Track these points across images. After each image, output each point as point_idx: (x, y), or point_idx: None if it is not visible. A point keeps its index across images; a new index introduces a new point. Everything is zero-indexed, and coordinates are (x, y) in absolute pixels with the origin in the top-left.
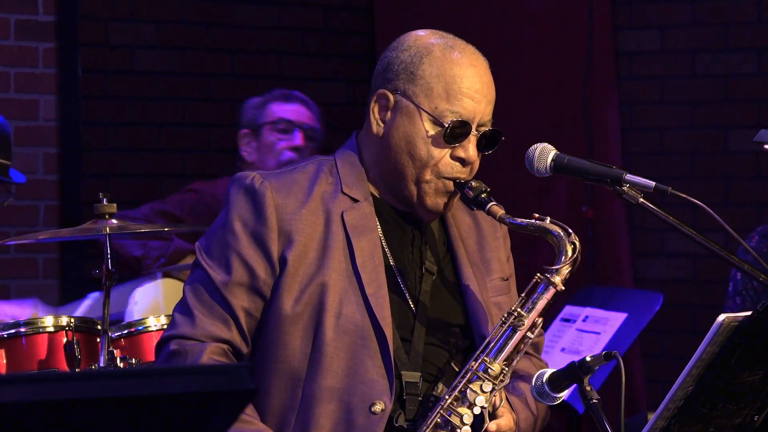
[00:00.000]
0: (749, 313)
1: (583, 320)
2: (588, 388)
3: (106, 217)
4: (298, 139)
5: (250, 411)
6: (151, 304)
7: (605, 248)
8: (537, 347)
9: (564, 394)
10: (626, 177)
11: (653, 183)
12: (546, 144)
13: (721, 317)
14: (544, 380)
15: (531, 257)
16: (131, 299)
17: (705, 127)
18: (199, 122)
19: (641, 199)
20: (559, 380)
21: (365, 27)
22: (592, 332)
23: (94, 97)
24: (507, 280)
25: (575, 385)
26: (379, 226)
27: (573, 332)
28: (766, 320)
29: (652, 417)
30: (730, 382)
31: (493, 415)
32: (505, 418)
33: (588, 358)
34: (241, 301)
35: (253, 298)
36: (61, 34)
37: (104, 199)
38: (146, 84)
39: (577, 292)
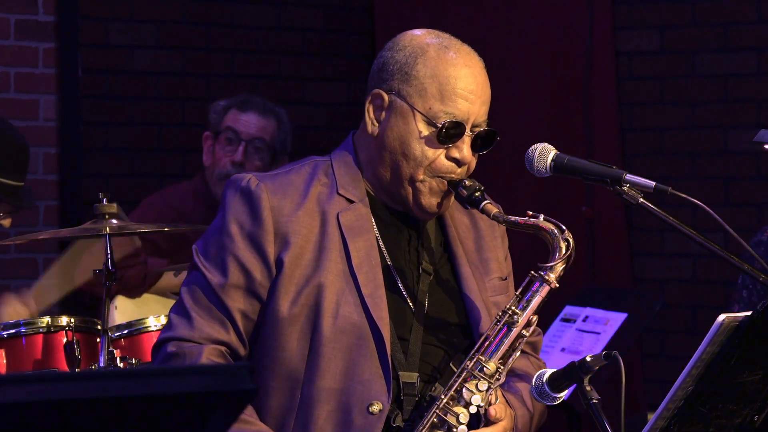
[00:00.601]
0: (749, 313)
1: (583, 320)
2: (588, 388)
3: (106, 217)
4: (239, 153)
5: (249, 412)
6: (132, 310)
7: (605, 248)
8: (535, 347)
9: (564, 394)
10: (626, 177)
11: (653, 183)
12: (546, 144)
13: (721, 317)
14: (544, 380)
15: (529, 256)
16: (112, 305)
17: (705, 127)
18: (199, 122)
19: (641, 199)
20: (559, 380)
21: (365, 27)
22: (592, 332)
23: (94, 97)
24: (506, 279)
25: (575, 385)
26: (375, 227)
27: (573, 332)
28: (766, 320)
29: (652, 417)
30: (730, 382)
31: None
32: (501, 407)
33: (588, 358)
34: (237, 303)
35: (250, 300)
36: (61, 34)
37: (104, 199)
38: (146, 84)
39: (577, 292)
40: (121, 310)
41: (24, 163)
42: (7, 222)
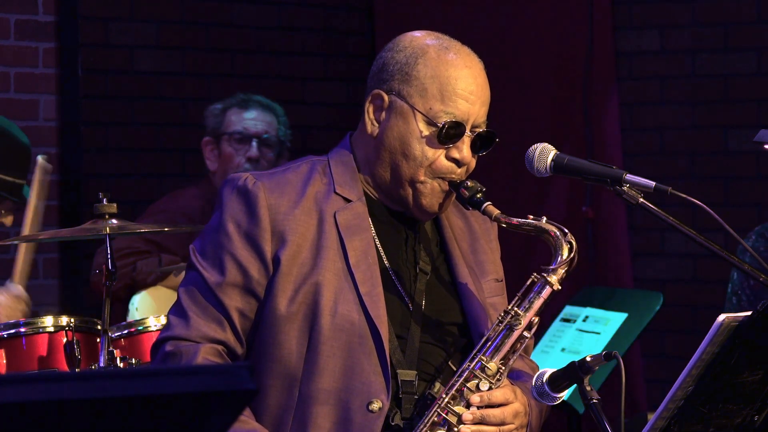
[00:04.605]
0: (749, 313)
1: (583, 320)
2: (588, 388)
3: (106, 217)
4: (254, 149)
5: (245, 411)
6: (150, 308)
7: (605, 248)
8: (527, 349)
9: (564, 394)
10: (626, 177)
11: (653, 183)
12: (546, 144)
13: (721, 317)
14: (544, 380)
15: (527, 258)
16: (131, 306)
17: (705, 127)
18: (199, 122)
19: (641, 199)
20: (559, 380)
21: (365, 27)
22: (592, 332)
23: (94, 97)
24: (501, 281)
25: (575, 385)
26: (372, 226)
27: (573, 332)
28: (766, 320)
29: (652, 417)
30: (730, 382)
31: None
32: (508, 390)
33: (588, 358)
34: (234, 301)
35: (247, 299)
36: (61, 34)
37: (104, 199)
38: (146, 84)
39: (577, 292)
40: (141, 308)
41: (26, 161)
42: (8, 220)
